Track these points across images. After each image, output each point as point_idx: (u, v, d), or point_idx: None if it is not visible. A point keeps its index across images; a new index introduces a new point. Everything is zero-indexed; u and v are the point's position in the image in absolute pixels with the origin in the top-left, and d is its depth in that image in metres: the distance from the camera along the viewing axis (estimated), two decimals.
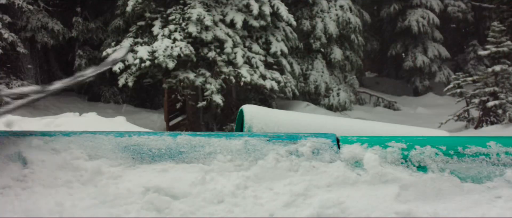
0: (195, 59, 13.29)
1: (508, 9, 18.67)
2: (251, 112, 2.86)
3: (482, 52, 14.62)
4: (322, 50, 18.13)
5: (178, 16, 13.45)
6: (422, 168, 2.08)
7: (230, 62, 13.63)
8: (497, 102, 13.28)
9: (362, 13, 21.55)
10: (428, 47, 23.35)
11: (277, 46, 14.53)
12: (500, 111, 13.41)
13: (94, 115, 8.16)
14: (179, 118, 15.35)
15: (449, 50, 24.23)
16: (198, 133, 2.25)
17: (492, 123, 13.49)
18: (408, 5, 23.38)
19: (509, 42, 13.76)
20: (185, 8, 13.58)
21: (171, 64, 12.62)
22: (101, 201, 1.81)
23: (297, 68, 16.49)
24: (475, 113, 14.85)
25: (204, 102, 13.37)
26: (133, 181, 1.92)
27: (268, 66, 14.47)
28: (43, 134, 2.14)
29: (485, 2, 23.38)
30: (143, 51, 12.89)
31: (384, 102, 20.94)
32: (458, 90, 14.84)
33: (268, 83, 13.62)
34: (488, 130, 12.47)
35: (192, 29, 13.05)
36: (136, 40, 13.70)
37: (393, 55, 24.72)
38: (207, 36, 13.29)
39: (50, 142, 2.08)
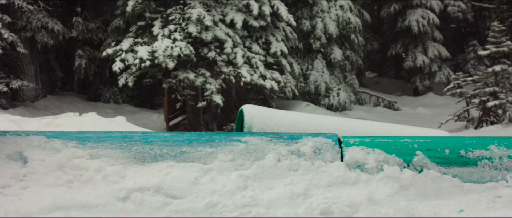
0: (195, 59, 13.28)
1: (508, 9, 18.68)
2: (251, 112, 2.86)
3: (482, 52, 14.62)
4: (322, 50, 18.12)
5: (178, 16, 13.45)
6: (423, 168, 2.07)
7: (230, 62, 13.63)
8: (497, 102, 13.28)
9: (362, 13, 21.55)
10: (428, 47, 23.35)
11: (277, 46, 14.53)
12: (500, 111, 13.41)
13: (94, 115, 8.17)
14: (179, 118, 15.35)
15: (449, 50, 24.23)
16: (199, 133, 2.25)
17: (492, 123, 13.49)
18: (408, 5, 23.38)
19: (509, 42, 13.76)
20: (185, 8, 13.58)
21: (171, 64, 12.62)
22: (102, 201, 1.81)
23: (297, 68, 16.49)
24: (475, 113, 14.84)
25: (204, 102, 13.37)
26: (134, 181, 1.92)
27: (268, 66, 14.46)
28: (43, 133, 2.14)
29: (485, 2, 23.39)
30: (143, 51, 12.89)
31: (384, 102, 20.94)
32: (458, 90, 14.84)
33: (268, 83, 13.62)
34: (488, 130, 12.47)
35: (192, 29, 13.05)
36: (136, 40, 13.70)
37: (393, 55, 24.72)
38: (207, 36, 13.29)
39: (50, 141, 2.08)
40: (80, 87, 19.80)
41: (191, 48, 13.08)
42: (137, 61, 12.88)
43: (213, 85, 13.15)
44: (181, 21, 13.40)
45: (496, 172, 2.08)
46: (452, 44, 26.82)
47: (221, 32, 13.49)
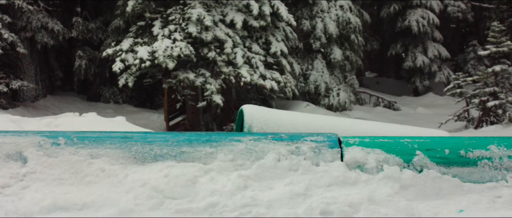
0: (195, 59, 13.29)
1: (508, 9, 18.68)
2: (251, 112, 2.86)
3: (482, 52, 14.62)
4: (322, 50, 18.13)
5: (178, 16, 13.45)
6: (423, 168, 2.07)
7: (230, 62, 13.63)
8: (497, 102, 13.27)
9: (362, 13, 21.55)
10: (428, 47, 23.36)
11: (277, 46, 14.52)
12: (500, 111, 13.41)
13: (94, 115, 8.17)
14: (179, 118, 15.36)
15: (449, 50, 24.23)
16: (199, 133, 2.25)
17: (492, 123, 13.49)
18: (408, 5, 23.39)
19: (509, 42, 13.76)
20: (185, 8, 13.58)
21: (171, 64, 12.62)
22: (102, 201, 1.81)
23: (297, 68, 16.49)
24: (475, 113, 14.84)
25: (204, 102, 13.37)
26: (134, 181, 1.92)
27: (268, 66, 14.46)
28: (43, 133, 2.14)
29: (485, 2, 23.39)
30: (143, 51, 12.89)
31: (384, 102, 20.94)
32: (458, 90, 14.84)
33: (268, 83, 13.62)
34: (488, 130, 12.47)
35: (192, 29, 13.05)
36: (136, 40, 13.70)
37: (393, 55, 24.72)
38: (207, 36, 13.28)
39: (50, 141, 2.08)
40: (80, 87, 19.80)
41: (191, 48, 13.08)
42: (137, 61, 12.88)
43: (213, 85, 13.15)
44: (181, 21, 13.39)
45: (496, 172, 2.08)
46: (452, 44, 26.81)
47: (221, 32, 13.48)
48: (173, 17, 13.51)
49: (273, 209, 1.82)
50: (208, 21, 13.01)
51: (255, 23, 14.07)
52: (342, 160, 2.10)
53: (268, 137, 2.16)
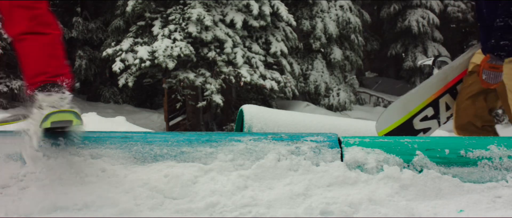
0: (195, 59, 13.29)
1: None
2: (251, 112, 2.86)
3: None
4: (322, 50, 18.13)
5: (178, 16, 13.46)
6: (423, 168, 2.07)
7: (230, 62, 13.63)
8: None
9: (362, 13, 21.55)
10: (428, 47, 23.37)
11: (277, 46, 14.53)
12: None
13: (94, 115, 8.16)
14: (179, 118, 15.36)
15: (449, 50, 24.23)
16: (199, 133, 2.25)
17: None
18: (408, 5, 23.40)
19: None
20: (185, 8, 13.59)
21: (171, 64, 12.62)
22: (102, 201, 1.81)
23: (297, 68, 16.49)
24: None
25: (204, 102, 13.38)
26: (134, 181, 1.92)
27: (268, 66, 14.47)
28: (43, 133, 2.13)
29: None
30: (143, 51, 12.89)
31: (384, 102, 20.94)
32: None
33: (268, 83, 13.62)
34: None
35: (192, 29, 13.05)
36: (136, 40, 13.70)
37: (393, 55, 24.72)
38: (207, 36, 13.29)
39: (50, 141, 2.08)
40: (80, 87, 19.80)
41: (191, 48, 13.08)
42: (137, 61, 12.89)
43: (213, 85, 13.16)
44: (181, 21, 13.40)
45: (496, 172, 2.08)
46: (452, 44, 26.81)
47: (221, 32, 13.49)
48: (173, 17, 13.51)
49: (273, 209, 1.82)
50: (208, 21, 13.02)
51: (255, 23, 14.08)
52: (342, 160, 2.10)
53: (268, 137, 2.16)
